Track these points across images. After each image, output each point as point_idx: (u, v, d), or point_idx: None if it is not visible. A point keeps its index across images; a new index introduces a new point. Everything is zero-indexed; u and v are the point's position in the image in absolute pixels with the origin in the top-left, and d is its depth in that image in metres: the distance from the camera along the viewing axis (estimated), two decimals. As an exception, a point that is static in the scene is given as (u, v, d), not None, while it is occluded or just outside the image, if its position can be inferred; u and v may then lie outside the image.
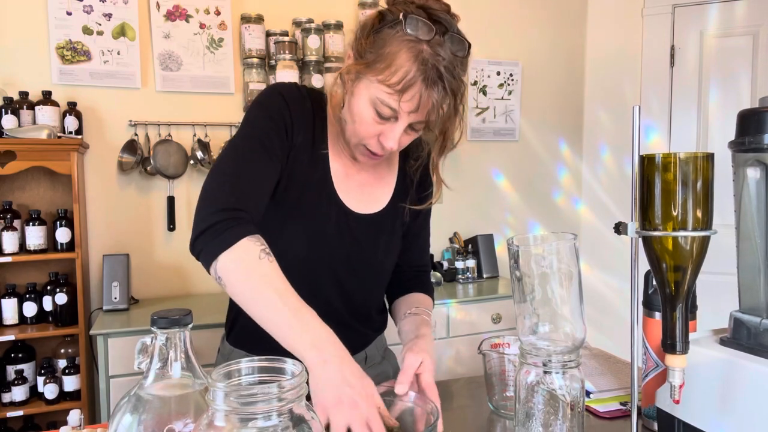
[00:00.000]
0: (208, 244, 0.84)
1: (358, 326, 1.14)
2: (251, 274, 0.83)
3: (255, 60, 2.59)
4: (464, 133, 1.02)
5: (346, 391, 0.75)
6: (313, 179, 1.03)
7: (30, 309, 2.29)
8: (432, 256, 2.92)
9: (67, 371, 2.28)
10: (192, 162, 2.56)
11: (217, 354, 1.21)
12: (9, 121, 2.20)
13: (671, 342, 0.71)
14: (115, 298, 2.33)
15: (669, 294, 0.71)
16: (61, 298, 2.27)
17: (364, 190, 1.09)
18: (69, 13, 2.42)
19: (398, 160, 1.14)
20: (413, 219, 1.16)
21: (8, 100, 2.23)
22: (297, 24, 2.71)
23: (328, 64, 2.69)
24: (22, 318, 2.29)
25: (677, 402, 0.73)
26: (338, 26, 2.70)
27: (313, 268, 1.04)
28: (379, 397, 0.80)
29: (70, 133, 2.34)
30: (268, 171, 0.95)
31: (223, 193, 0.89)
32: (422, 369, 0.92)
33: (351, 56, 0.94)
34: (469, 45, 0.91)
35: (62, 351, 2.35)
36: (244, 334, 1.11)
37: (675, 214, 0.68)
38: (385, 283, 1.19)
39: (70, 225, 2.29)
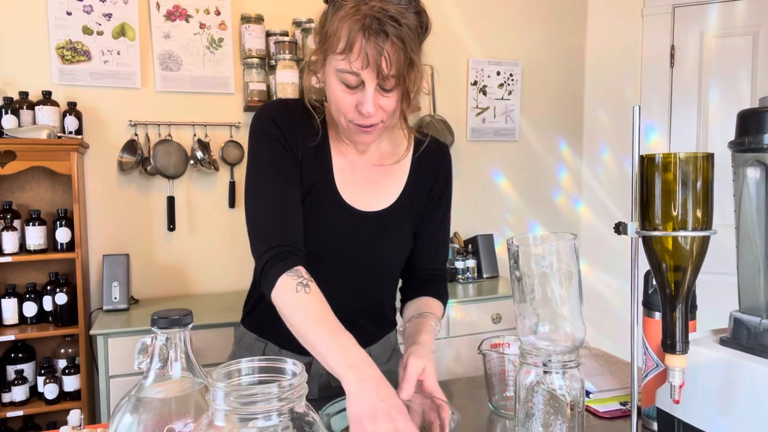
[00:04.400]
0: (263, 285, 0.96)
1: (366, 324, 1.15)
2: (291, 308, 0.92)
3: (255, 60, 2.59)
4: (426, 90, 1.04)
5: (381, 406, 0.77)
6: (317, 180, 1.06)
7: (30, 309, 2.29)
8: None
9: (67, 371, 2.28)
10: (192, 162, 2.56)
11: (234, 335, 1.24)
12: (9, 121, 2.20)
13: (671, 342, 0.71)
14: (115, 298, 2.33)
15: (669, 294, 0.71)
16: (61, 298, 2.27)
17: (370, 187, 1.09)
18: (69, 13, 2.42)
19: (411, 158, 1.14)
20: (427, 220, 1.16)
21: (8, 100, 2.23)
22: (297, 24, 2.71)
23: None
24: (22, 318, 2.29)
25: (677, 402, 0.73)
26: (338, 26, 2.69)
27: (318, 266, 1.04)
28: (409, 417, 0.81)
29: (70, 133, 2.34)
30: (294, 197, 1.02)
31: (264, 234, 0.99)
32: (425, 375, 0.93)
33: (311, 50, 1.00)
34: None
35: (62, 351, 2.35)
36: (260, 321, 1.17)
37: (675, 214, 0.68)
38: (394, 282, 1.19)
39: (70, 225, 2.29)
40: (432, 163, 1.15)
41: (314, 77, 1.01)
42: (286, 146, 1.03)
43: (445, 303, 1.18)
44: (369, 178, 1.10)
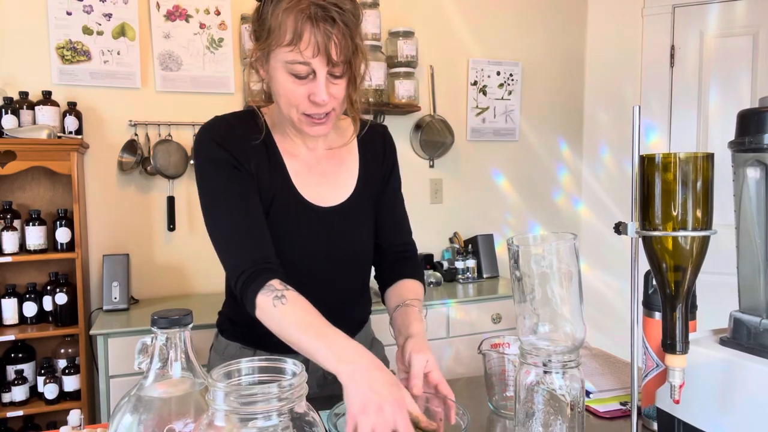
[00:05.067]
0: (248, 309, 0.97)
1: (350, 313, 1.18)
2: (276, 323, 0.93)
3: (255, 60, 2.59)
4: (368, 76, 1.06)
5: (372, 398, 0.77)
6: (276, 187, 1.07)
7: (30, 309, 2.29)
8: (432, 255, 2.92)
9: (67, 371, 2.28)
10: (192, 162, 2.56)
11: (210, 352, 1.26)
12: (9, 121, 2.20)
13: (671, 342, 0.71)
14: (115, 298, 2.33)
15: (669, 294, 0.71)
16: (61, 298, 2.27)
17: (327, 181, 1.11)
18: (69, 13, 2.42)
19: (356, 144, 1.16)
20: (382, 200, 1.19)
21: (8, 100, 2.23)
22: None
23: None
24: (22, 318, 2.29)
25: (677, 402, 0.73)
26: (338, 26, 2.70)
27: (294, 269, 1.05)
28: (412, 402, 0.81)
29: (70, 133, 2.34)
30: (255, 213, 1.02)
31: (233, 258, 1.00)
32: (429, 367, 0.94)
33: (252, 47, 1.02)
34: None
35: (62, 351, 2.35)
36: (242, 330, 1.17)
37: (675, 214, 0.68)
38: (368, 268, 1.21)
39: (70, 225, 2.29)
40: (376, 146, 1.18)
41: (255, 75, 1.03)
42: (237, 165, 1.03)
43: (421, 278, 1.21)
44: (325, 173, 1.12)
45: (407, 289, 1.16)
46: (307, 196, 1.09)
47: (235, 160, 1.03)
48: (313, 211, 1.08)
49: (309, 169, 1.10)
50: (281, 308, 0.92)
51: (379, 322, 1.32)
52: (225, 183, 1.02)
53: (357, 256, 1.15)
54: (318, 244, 1.09)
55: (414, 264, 1.22)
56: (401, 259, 1.21)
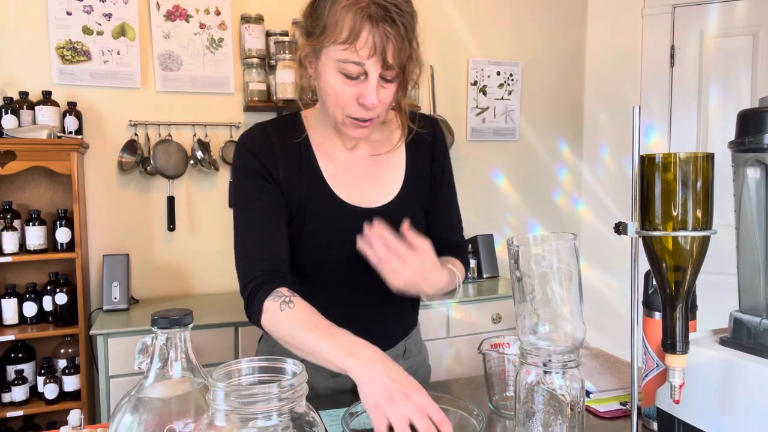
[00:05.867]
0: (251, 316, 0.98)
1: (393, 317, 1.16)
2: (281, 326, 0.93)
3: (255, 60, 2.59)
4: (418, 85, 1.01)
5: (393, 387, 0.76)
6: (311, 189, 1.06)
7: (30, 309, 2.29)
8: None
9: (67, 371, 2.28)
10: (192, 162, 2.56)
11: (259, 344, 1.24)
12: (9, 121, 2.20)
13: (671, 342, 0.71)
14: (115, 298, 2.33)
15: (669, 294, 0.71)
16: (61, 298, 2.27)
17: (368, 183, 1.09)
18: (69, 13, 2.42)
19: (404, 148, 1.12)
20: (435, 199, 1.15)
21: (8, 100, 2.23)
22: (297, 24, 2.70)
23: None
24: (22, 318, 2.29)
25: (677, 402, 0.73)
26: (338, 26, 2.70)
27: (336, 274, 1.06)
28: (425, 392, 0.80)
29: (70, 133, 2.34)
30: (273, 224, 1.03)
31: (245, 266, 1.01)
32: (421, 246, 0.91)
33: (303, 43, 0.97)
34: None
35: (62, 351, 2.35)
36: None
37: (675, 214, 0.68)
38: None
39: (70, 225, 2.29)
40: (425, 143, 1.14)
41: (306, 72, 1.00)
42: (265, 174, 1.04)
43: (467, 269, 1.18)
44: (366, 173, 1.09)
45: (451, 261, 1.12)
46: (345, 198, 1.06)
47: (265, 170, 1.04)
48: (353, 213, 1.06)
49: (347, 170, 1.08)
50: (289, 312, 0.92)
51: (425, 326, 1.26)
52: (252, 192, 1.04)
53: None
54: (355, 246, 1.06)
55: (464, 256, 1.19)
56: (452, 249, 1.17)
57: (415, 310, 1.24)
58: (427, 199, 1.15)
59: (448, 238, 1.18)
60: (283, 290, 0.95)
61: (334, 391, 1.12)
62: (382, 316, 1.13)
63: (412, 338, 1.22)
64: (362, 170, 1.09)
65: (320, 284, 1.08)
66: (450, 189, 1.19)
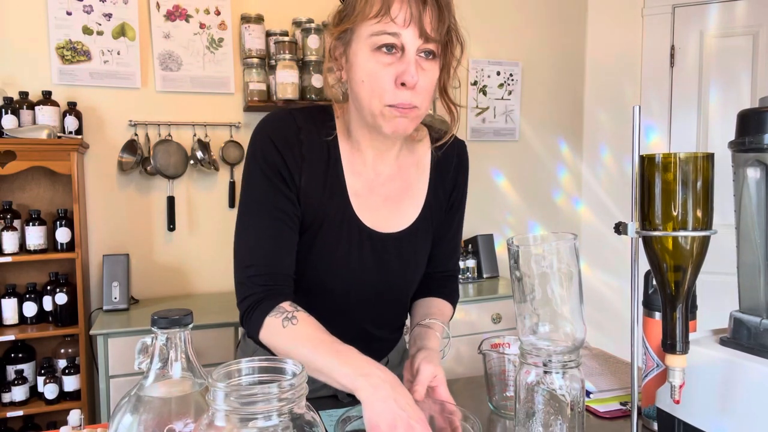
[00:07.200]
0: (249, 329, 0.93)
1: (385, 334, 1.14)
2: (285, 344, 0.89)
3: (255, 60, 2.59)
4: (464, 55, 0.93)
5: (401, 415, 0.74)
6: (331, 206, 0.98)
7: (30, 309, 2.29)
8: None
9: (67, 371, 2.28)
10: (192, 162, 2.56)
11: (236, 351, 1.20)
12: (9, 121, 2.20)
13: (671, 342, 0.71)
14: (115, 298, 2.33)
15: (669, 294, 0.71)
16: (61, 298, 2.27)
17: (387, 206, 1.02)
18: (69, 13, 2.42)
19: (429, 169, 1.07)
20: (445, 226, 1.11)
21: (8, 100, 2.23)
22: (297, 24, 2.71)
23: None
24: (22, 318, 2.29)
25: (677, 402, 0.73)
26: (338, 26, 2.69)
27: (342, 295, 1.03)
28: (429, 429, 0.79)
29: (70, 133, 2.34)
30: (284, 234, 0.96)
31: (245, 276, 0.94)
32: (437, 382, 0.91)
33: (332, 31, 0.92)
34: None
35: (62, 351, 2.35)
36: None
37: (675, 214, 0.68)
38: (411, 294, 1.16)
39: (70, 225, 2.29)
40: (449, 166, 1.08)
41: (334, 74, 0.93)
42: (285, 174, 0.94)
43: (455, 302, 1.16)
44: (388, 198, 1.02)
45: (436, 308, 1.10)
46: (365, 219, 1.00)
47: (286, 170, 0.94)
48: (368, 236, 1.00)
49: (371, 190, 1.00)
50: (292, 328, 0.87)
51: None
52: (267, 193, 0.94)
53: (400, 287, 1.09)
54: (365, 271, 1.02)
55: (453, 287, 1.17)
56: (443, 280, 1.16)
57: (400, 333, 1.22)
58: (438, 226, 1.10)
59: (444, 267, 1.16)
60: (286, 305, 0.90)
61: (334, 391, 1.12)
62: (377, 333, 1.11)
63: (395, 349, 1.20)
64: (385, 193, 1.02)
65: (314, 301, 1.01)
66: (461, 214, 1.14)
